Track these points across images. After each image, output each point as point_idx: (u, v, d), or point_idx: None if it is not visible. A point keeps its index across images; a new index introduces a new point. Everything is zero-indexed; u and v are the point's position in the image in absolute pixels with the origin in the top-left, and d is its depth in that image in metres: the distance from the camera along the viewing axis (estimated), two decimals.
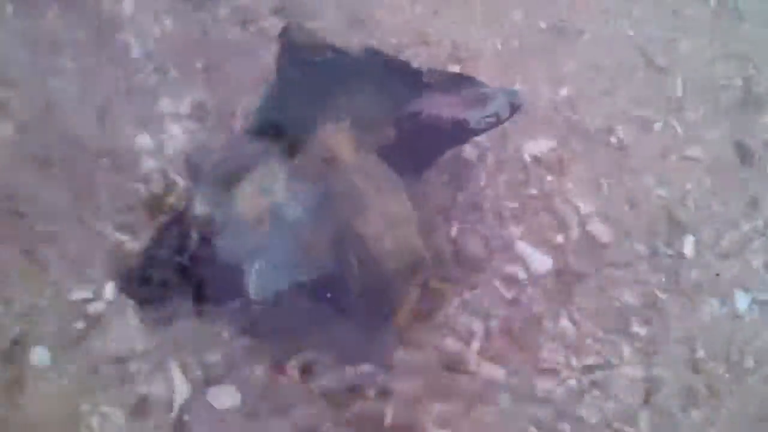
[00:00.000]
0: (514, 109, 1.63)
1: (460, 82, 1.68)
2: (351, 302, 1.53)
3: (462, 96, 1.64)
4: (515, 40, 2.05)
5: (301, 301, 1.58)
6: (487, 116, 1.62)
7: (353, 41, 1.97)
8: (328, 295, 1.55)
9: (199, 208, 1.58)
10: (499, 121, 1.63)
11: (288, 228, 1.55)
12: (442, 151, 1.78)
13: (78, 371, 1.69)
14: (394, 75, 1.68)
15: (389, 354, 1.70)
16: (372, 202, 1.53)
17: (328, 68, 1.68)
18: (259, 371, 1.71)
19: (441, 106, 1.62)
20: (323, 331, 1.66)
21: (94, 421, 1.66)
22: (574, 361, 1.75)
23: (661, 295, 1.81)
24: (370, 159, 1.59)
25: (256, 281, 1.53)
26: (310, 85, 1.68)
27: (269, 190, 1.58)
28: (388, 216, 1.52)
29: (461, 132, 1.67)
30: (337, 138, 1.60)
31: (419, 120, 1.63)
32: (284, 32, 1.75)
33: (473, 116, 1.62)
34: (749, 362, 1.77)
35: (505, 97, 1.62)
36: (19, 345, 1.70)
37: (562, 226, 1.86)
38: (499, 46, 2.04)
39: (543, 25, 2.07)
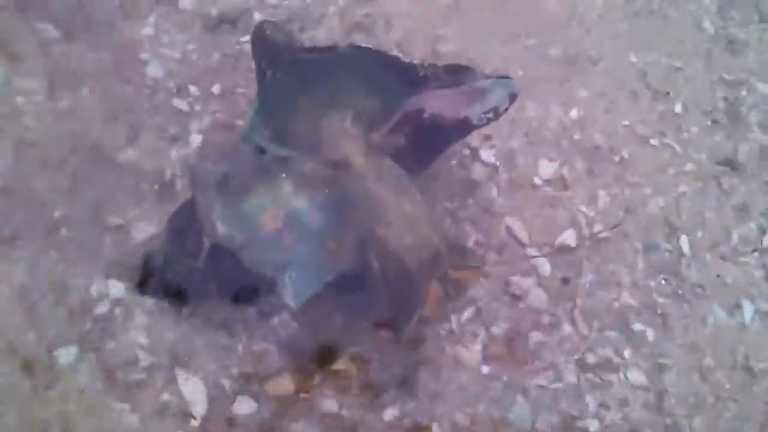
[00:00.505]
0: (512, 99, 1.66)
1: (456, 72, 1.67)
2: (379, 298, 1.57)
3: (460, 90, 1.64)
4: (529, 65, 2.14)
5: (331, 301, 1.62)
6: (487, 111, 1.65)
7: None
8: (357, 293, 1.59)
9: (221, 228, 1.58)
10: (497, 115, 1.67)
11: (310, 235, 1.57)
12: (444, 147, 1.81)
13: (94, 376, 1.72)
14: (387, 70, 1.65)
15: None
16: (389, 206, 1.56)
17: (317, 67, 1.66)
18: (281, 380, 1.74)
19: (441, 104, 1.64)
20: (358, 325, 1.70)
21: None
22: (575, 363, 1.81)
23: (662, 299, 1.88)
24: (381, 161, 1.62)
25: (291, 291, 1.55)
26: (301, 85, 1.66)
27: (283, 200, 1.59)
28: (405, 216, 1.56)
29: (463, 128, 1.71)
30: (346, 141, 1.62)
31: (421, 120, 1.65)
32: (259, 31, 1.73)
33: (474, 113, 1.66)
34: (755, 370, 1.82)
35: (503, 88, 1.64)
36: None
37: (565, 231, 1.93)
38: (518, 72, 2.12)
39: (556, 52, 2.16)
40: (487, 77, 1.64)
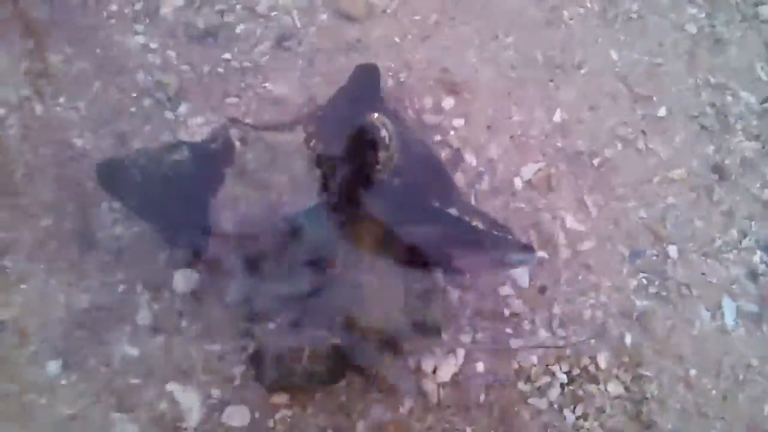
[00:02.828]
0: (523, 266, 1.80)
1: (493, 239, 1.73)
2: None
3: (490, 258, 1.73)
4: (512, 70, 2.15)
5: None
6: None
7: (342, 63, 2.08)
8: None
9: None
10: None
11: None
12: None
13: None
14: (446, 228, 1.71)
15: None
16: (371, 296, 1.69)
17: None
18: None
19: (467, 262, 1.74)
20: None
21: None
22: (557, 371, 1.85)
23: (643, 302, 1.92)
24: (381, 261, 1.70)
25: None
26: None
27: None
28: (381, 303, 1.69)
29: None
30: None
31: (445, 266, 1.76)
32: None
33: (489, 269, 1.83)
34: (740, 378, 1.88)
35: (523, 261, 1.75)
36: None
37: (548, 239, 1.96)
38: (493, 75, 2.14)
39: (537, 55, 2.16)
40: (517, 248, 1.73)
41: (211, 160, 1.65)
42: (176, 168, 1.61)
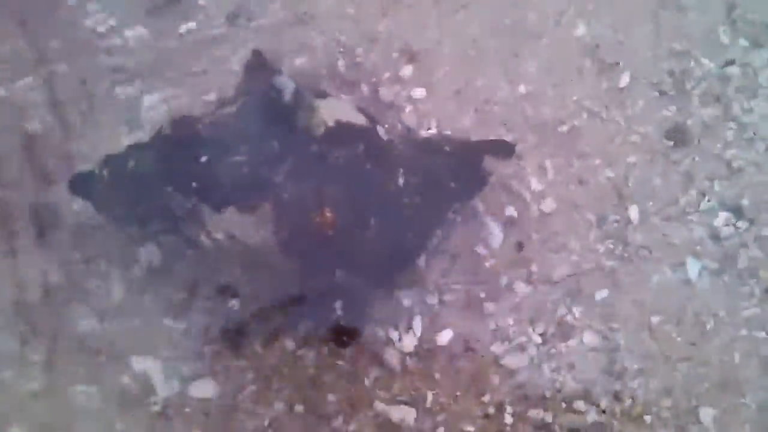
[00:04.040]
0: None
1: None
2: None
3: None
4: (476, 40, 2.15)
5: None
6: None
7: (298, 38, 2.10)
8: None
9: None
10: None
11: None
12: None
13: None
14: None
15: None
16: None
17: None
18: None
19: None
20: None
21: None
22: (531, 329, 1.86)
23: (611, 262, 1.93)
24: None
25: None
26: None
27: None
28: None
29: None
30: None
31: None
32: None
33: None
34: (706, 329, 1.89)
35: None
36: None
37: (519, 202, 1.97)
38: (455, 47, 2.14)
39: (499, 25, 2.17)
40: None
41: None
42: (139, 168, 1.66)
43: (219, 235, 1.59)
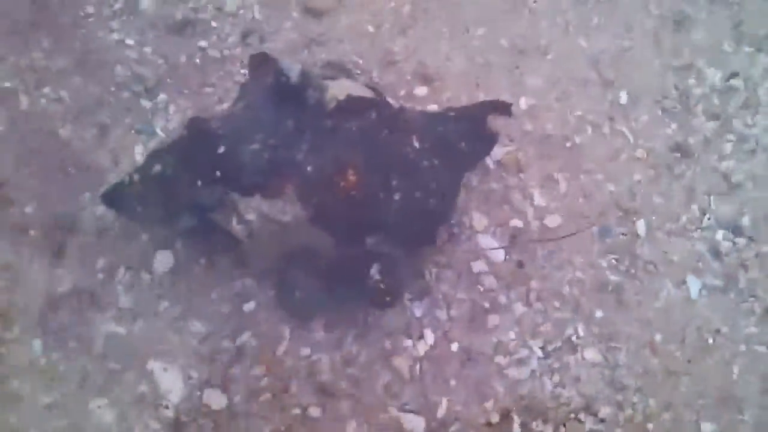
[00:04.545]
0: None
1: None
2: None
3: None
4: (479, 57, 2.20)
5: None
6: None
7: (312, 59, 2.16)
8: None
9: None
10: None
11: None
12: None
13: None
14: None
15: None
16: None
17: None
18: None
19: None
20: None
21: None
22: (533, 344, 1.91)
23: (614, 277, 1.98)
24: None
25: None
26: None
27: None
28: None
29: None
30: None
31: None
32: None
33: None
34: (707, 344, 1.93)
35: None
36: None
37: (520, 216, 2.02)
38: (464, 64, 2.20)
39: (505, 42, 2.22)
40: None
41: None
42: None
43: (251, 217, 1.67)
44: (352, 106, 1.68)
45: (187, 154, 1.70)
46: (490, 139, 1.95)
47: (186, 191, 1.69)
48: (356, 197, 1.63)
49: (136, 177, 1.75)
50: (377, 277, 1.72)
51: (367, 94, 1.75)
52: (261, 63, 1.79)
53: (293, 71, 1.64)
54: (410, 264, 1.87)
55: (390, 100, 1.79)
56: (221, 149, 1.65)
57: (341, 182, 1.62)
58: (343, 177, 1.62)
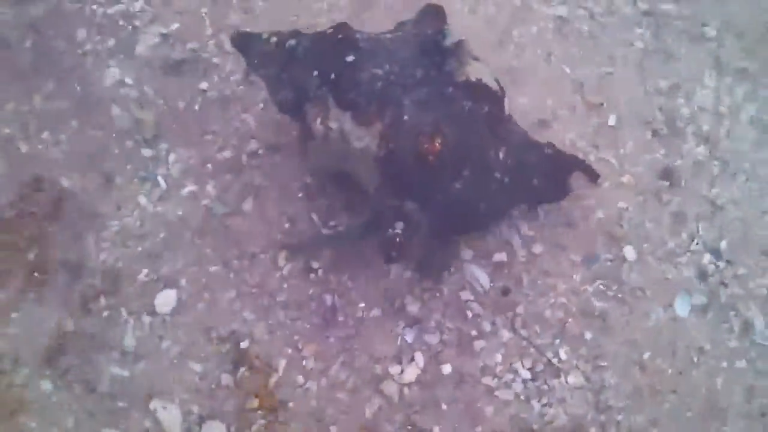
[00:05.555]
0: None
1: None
2: None
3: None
4: None
5: None
6: None
7: None
8: None
9: None
10: None
11: None
12: None
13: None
14: None
15: None
16: None
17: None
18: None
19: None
20: None
21: None
22: (520, 368, 1.97)
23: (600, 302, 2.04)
24: None
25: None
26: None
27: None
28: None
29: None
30: None
31: None
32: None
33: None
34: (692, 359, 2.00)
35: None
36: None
37: (506, 246, 2.09)
38: None
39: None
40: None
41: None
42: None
43: (333, 125, 1.79)
44: (476, 89, 1.79)
45: (322, 46, 1.84)
46: (561, 192, 2.02)
47: (300, 73, 1.84)
48: (428, 163, 1.72)
49: (273, 39, 1.91)
50: (398, 231, 1.80)
51: (494, 86, 1.85)
52: (431, 16, 1.92)
53: (452, 37, 1.79)
54: (429, 242, 1.94)
55: (506, 102, 1.89)
56: (351, 57, 1.78)
57: (426, 141, 1.70)
58: (430, 138, 1.70)
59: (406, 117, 1.72)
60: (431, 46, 1.79)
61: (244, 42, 1.97)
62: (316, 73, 1.79)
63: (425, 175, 1.75)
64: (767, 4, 2.39)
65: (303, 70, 1.83)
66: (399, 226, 1.78)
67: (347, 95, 1.76)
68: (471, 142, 1.78)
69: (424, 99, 1.75)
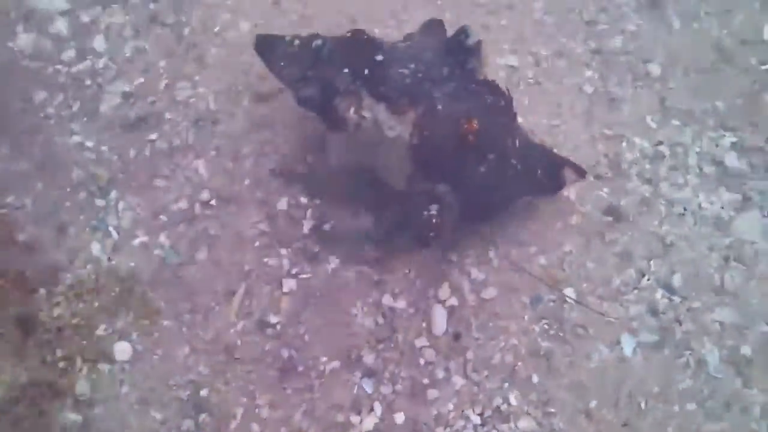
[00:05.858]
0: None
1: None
2: None
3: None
4: None
5: None
6: None
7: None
8: None
9: None
10: None
11: None
12: None
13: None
14: None
15: None
16: None
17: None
18: None
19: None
20: None
21: None
22: (471, 414, 2.00)
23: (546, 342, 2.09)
24: None
25: None
26: None
27: None
28: None
29: None
30: None
31: None
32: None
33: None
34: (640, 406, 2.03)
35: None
36: None
37: (456, 292, 2.13)
38: None
39: None
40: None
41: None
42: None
43: (367, 114, 1.91)
44: (493, 87, 1.97)
45: (349, 47, 1.96)
46: (557, 185, 2.13)
47: (328, 71, 1.95)
48: (467, 143, 1.86)
49: (296, 42, 2.02)
50: (434, 212, 1.92)
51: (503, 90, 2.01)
52: (433, 28, 2.15)
53: (473, 37, 1.97)
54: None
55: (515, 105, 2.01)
56: (380, 57, 1.93)
57: (465, 125, 1.84)
58: (467, 121, 1.84)
59: (439, 107, 1.89)
60: (455, 45, 1.98)
61: (267, 45, 2.07)
62: (346, 70, 1.92)
63: (457, 159, 1.90)
64: (710, 37, 2.46)
65: (330, 69, 1.94)
66: (434, 208, 1.91)
67: (380, 89, 1.90)
68: (494, 130, 1.93)
69: (452, 92, 1.92)
